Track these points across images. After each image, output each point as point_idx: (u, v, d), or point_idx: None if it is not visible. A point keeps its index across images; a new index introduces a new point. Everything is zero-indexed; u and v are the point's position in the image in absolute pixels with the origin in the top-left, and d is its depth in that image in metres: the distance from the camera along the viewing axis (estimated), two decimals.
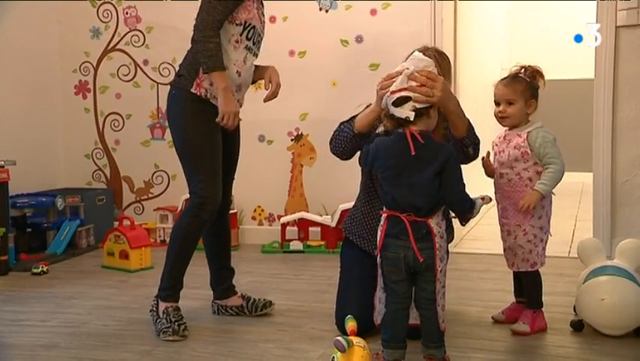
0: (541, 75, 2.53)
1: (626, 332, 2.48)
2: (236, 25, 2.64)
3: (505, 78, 2.55)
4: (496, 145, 2.61)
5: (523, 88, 2.50)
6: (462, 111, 2.37)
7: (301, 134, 4.37)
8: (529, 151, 2.48)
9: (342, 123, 2.52)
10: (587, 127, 3.94)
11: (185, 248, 2.66)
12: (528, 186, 2.50)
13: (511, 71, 2.55)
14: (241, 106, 2.77)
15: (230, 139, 2.78)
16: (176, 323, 2.59)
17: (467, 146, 2.45)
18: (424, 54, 2.25)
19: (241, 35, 2.65)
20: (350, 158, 2.54)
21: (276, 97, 2.78)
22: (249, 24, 2.64)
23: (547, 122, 2.61)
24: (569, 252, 3.83)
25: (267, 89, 2.77)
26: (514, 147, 2.51)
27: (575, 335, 2.56)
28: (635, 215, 3.79)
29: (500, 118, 2.55)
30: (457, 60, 4.45)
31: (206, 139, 2.63)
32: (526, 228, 2.53)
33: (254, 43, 2.70)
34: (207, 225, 2.67)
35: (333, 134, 2.52)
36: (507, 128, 2.58)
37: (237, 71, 2.67)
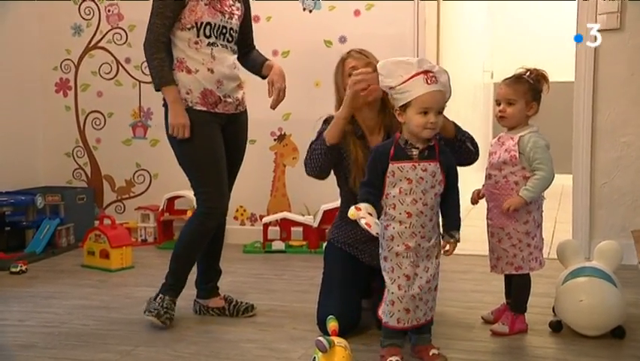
0: (546, 79, 2.53)
1: (604, 333, 2.50)
2: (188, 29, 2.66)
3: (508, 78, 2.55)
4: (491, 146, 2.62)
5: (525, 89, 2.50)
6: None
7: (284, 134, 4.37)
8: (517, 155, 2.48)
9: (312, 144, 2.56)
10: (567, 129, 3.97)
11: (188, 252, 2.73)
12: (514, 190, 2.50)
13: (516, 72, 2.56)
14: (238, 102, 2.79)
15: (233, 143, 2.78)
16: (164, 310, 2.65)
17: (464, 141, 2.50)
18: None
19: (198, 37, 2.66)
20: (327, 175, 2.58)
21: (282, 101, 2.81)
22: (201, 23, 2.64)
23: None
24: (549, 253, 3.74)
25: (270, 96, 2.80)
26: (505, 150, 2.52)
27: (553, 336, 2.56)
28: (614, 217, 3.83)
29: (500, 117, 2.55)
30: (439, 62, 4.44)
31: (204, 150, 2.65)
32: (509, 231, 2.54)
33: (218, 37, 2.69)
34: (213, 232, 2.73)
35: (307, 157, 2.55)
36: (505, 129, 2.58)
37: (209, 69, 2.67)
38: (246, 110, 2.89)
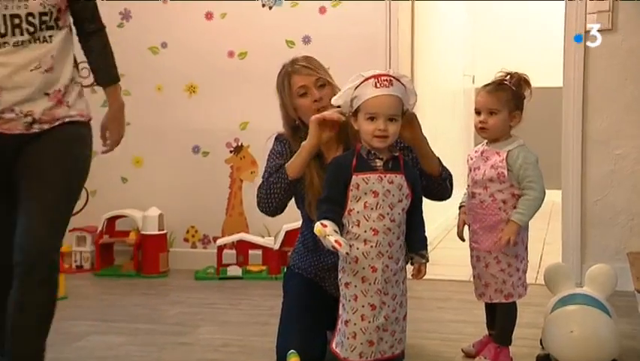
0: (528, 84, 2.56)
1: None
2: None
3: (488, 85, 2.56)
4: (471, 159, 2.63)
5: (507, 97, 2.52)
6: (431, 149, 2.49)
7: (241, 145, 4.36)
8: (506, 173, 2.50)
9: (269, 177, 2.51)
10: (555, 141, 4.00)
11: None
12: (502, 209, 2.52)
13: (496, 77, 2.57)
14: (32, 118, 2.24)
15: (30, 171, 2.24)
16: None
17: (445, 180, 2.54)
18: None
19: None
20: (283, 211, 2.55)
21: (111, 150, 2.43)
22: None
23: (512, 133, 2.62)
24: (536, 278, 3.85)
25: (102, 143, 2.44)
26: (491, 167, 2.53)
27: None
28: (607, 238, 3.84)
29: (480, 129, 2.57)
30: (414, 65, 4.50)
31: None
32: (498, 255, 2.55)
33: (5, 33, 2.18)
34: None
35: (263, 193, 2.50)
36: (485, 141, 2.61)
37: None
38: (65, 127, 2.31)
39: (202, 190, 4.40)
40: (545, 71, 4.67)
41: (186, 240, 4.48)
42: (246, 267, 4.18)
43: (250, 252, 4.21)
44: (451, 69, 5.89)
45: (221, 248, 4.22)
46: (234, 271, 4.17)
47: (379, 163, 2.25)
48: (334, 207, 2.22)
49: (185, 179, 4.41)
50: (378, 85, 2.21)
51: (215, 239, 4.35)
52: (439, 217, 5.11)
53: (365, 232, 2.22)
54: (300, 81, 2.54)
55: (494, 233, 2.53)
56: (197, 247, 4.47)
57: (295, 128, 2.58)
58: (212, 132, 4.36)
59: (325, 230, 2.10)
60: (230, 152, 4.39)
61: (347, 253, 2.11)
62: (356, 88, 2.24)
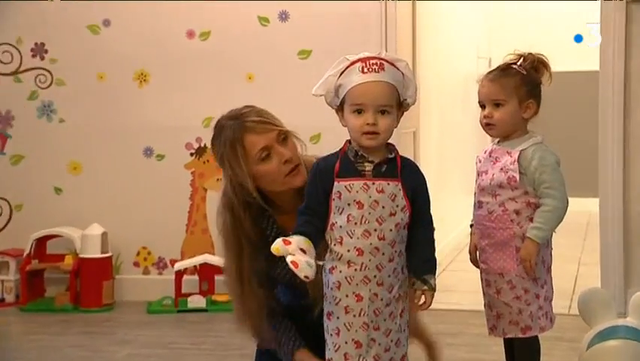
0: (545, 65, 2.57)
1: None
2: None
3: (492, 71, 2.58)
4: (479, 162, 2.64)
5: (515, 83, 2.53)
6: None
7: (204, 146, 4.37)
8: (517, 177, 2.50)
9: (282, 342, 2.57)
10: (591, 137, 4.00)
11: None
12: (514, 221, 2.53)
13: (504, 60, 2.59)
14: None
15: None
16: None
17: None
18: None
19: None
20: None
21: None
22: None
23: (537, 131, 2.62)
24: (570, 307, 3.84)
25: None
26: (501, 169, 2.54)
27: None
28: None
29: (486, 125, 2.58)
30: (416, 47, 4.52)
31: None
32: (512, 278, 2.54)
33: None
34: None
35: (267, 336, 2.58)
36: (496, 140, 2.63)
37: None
38: None
39: (156, 202, 4.40)
40: (578, 51, 4.65)
41: (137, 264, 4.48)
42: (212, 297, 4.18)
43: (217, 278, 4.20)
44: (463, 50, 5.91)
45: (180, 274, 4.22)
46: (197, 301, 4.16)
47: (368, 167, 2.24)
48: (313, 219, 2.23)
49: (135, 188, 4.42)
50: (365, 70, 2.20)
51: (172, 262, 4.36)
52: (450, 233, 5.13)
53: (348, 251, 2.22)
54: (260, 142, 2.47)
55: (506, 251, 2.54)
56: (151, 273, 4.47)
57: (247, 205, 2.51)
58: (168, 131, 4.39)
59: (286, 248, 2.09)
60: (191, 154, 4.41)
61: (306, 277, 2.07)
62: (340, 74, 2.24)
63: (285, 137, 2.49)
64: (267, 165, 2.46)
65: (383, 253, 2.22)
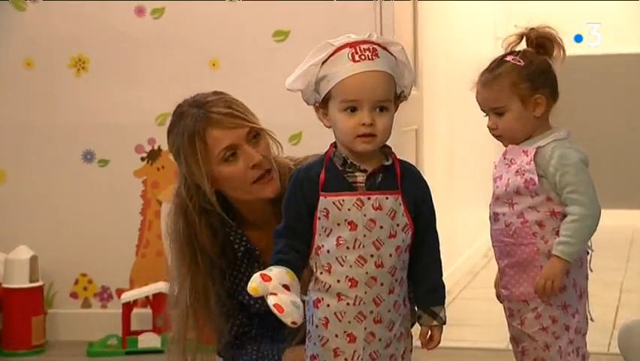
0: (555, 41, 2.57)
1: None
2: None
3: (484, 71, 2.59)
4: (495, 168, 2.67)
5: (512, 81, 2.54)
6: None
7: (159, 149, 4.40)
8: (536, 179, 2.52)
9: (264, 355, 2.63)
10: (636, 136, 4.04)
11: None
12: (537, 235, 2.53)
13: (502, 46, 2.61)
14: None
15: None
16: None
17: None
18: None
19: None
20: None
21: None
22: None
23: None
24: (609, 344, 3.85)
25: None
26: (516, 172, 2.56)
27: None
28: None
29: (495, 137, 2.62)
30: (417, 24, 4.52)
31: None
32: (538, 306, 2.54)
33: None
34: None
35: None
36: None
37: None
38: None
39: (98, 219, 4.41)
40: (618, 28, 4.67)
41: (74, 295, 4.46)
42: (168, 334, 4.11)
43: None
44: (477, 30, 5.94)
45: (129, 306, 4.20)
46: (149, 340, 4.16)
47: (360, 178, 2.22)
48: (294, 242, 2.20)
49: (73, 201, 4.41)
50: (357, 57, 2.18)
51: (119, 293, 4.36)
52: (461, 253, 5.12)
53: (338, 281, 2.19)
54: (225, 138, 2.50)
55: (530, 272, 2.54)
56: (93, 306, 4.46)
57: (204, 211, 2.54)
58: (113, 130, 4.41)
59: (266, 286, 2.07)
60: (142, 159, 4.43)
61: (293, 323, 2.07)
62: (323, 64, 2.21)
63: (256, 135, 2.51)
64: (230, 167, 2.48)
65: (382, 284, 2.20)
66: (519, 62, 2.53)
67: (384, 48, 2.21)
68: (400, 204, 2.22)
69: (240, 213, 2.57)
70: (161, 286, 4.17)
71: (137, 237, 4.42)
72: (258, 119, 2.56)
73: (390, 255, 2.21)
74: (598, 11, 5.41)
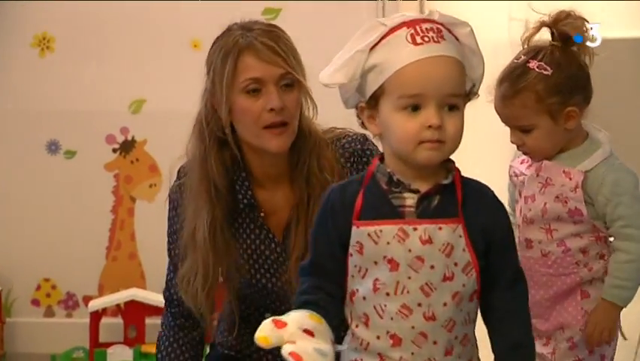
0: (580, 29, 2.47)
1: None
2: None
3: (503, 80, 2.50)
4: (516, 176, 2.60)
5: (539, 96, 2.43)
6: None
7: (132, 139, 4.37)
8: (584, 210, 2.43)
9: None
10: None
11: None
12: (580, 263, 2.48)
13: (516, 57, 2.50)
14: None
15: None
16: None
17: None
18: None
19: None
20: None
21: None
22: None
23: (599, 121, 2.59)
24: None
25: None
26: (556, 198, 2.46)
27: None
28: None
29: (524, 153, 2.57)
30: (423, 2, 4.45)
31: None
32: (574, 336, 2.50)
33: None
34: None
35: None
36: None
37: None
38: None
39: (64, 217, 4.37)
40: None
41: (36, 302, 4.42)
42: (141, 347, 4.11)
43: (148, 321, 4.15)
44: (489, 9, 5.77)
45: (97, 315, 4.16)
46: (120, 354, 4.11)
47: (410, 200, 1.88)
48: (324, 282, 1.91)
49: (35, 198, 4.35)
50: (419, 39, 1.82)
51: (86, 300, 4.33)
52: None
53: (378, 338, 1.88)
54: (255, 69, 2.44)
55: (571, 300, 2.52)
56: (56, 315, 4.43)
57: (218, 141, 2.53)
58: (81, 118, 4.36)
59: (280, 335, 1.77)
60: (114, 151, 4.40)
61: None
62: (372, 49, 1.86)
63: (289, 82, 2.46)
64: (249, 101, 2.46)
65: (435, 342, 1.88)
66: (545, 69, 2.43)
67: (449, 30, 1.88)
68: (461, 236, 1.88)
69: (249, 167, 2.55)
70: (133, 293, 4.21)
71: (108, 238, 4.42)
72: (306, 77, 2.51)
73: (445, 304, 1.88)
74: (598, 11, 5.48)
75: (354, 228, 1.88)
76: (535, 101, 2.41)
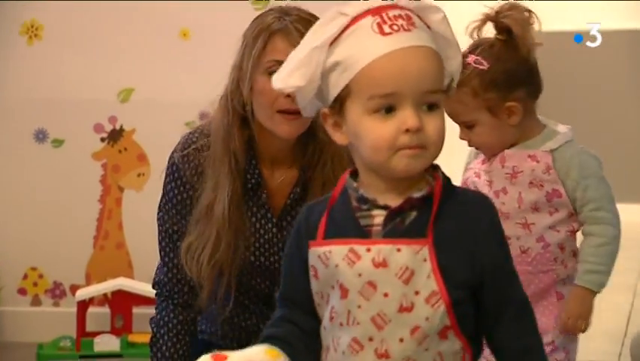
0: (524, 24, 2.38)
1: None
2: None
3: None
4: (478, 176, 2.54)
5: (475, 92, 2.41)
6: None
7: (121, 128, 4.36)
8: (562, 190, 2.42)
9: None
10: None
11: None
12: (558, 260, 2.48)
13: (466, 34, 2.46)
14: None
15: None
16: None
17: None
18: None
19: None
20: None
21: None
22: None
23: (568, 117, 2.63)
24: (620, 353, 3.83)
25: None
26: (530, 184, 2.45)
27: None
28: None
29: (476, 148, 2.58)
30: None
31: None
32: (555, 339, 2.51)
33: None
34: None
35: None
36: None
37: None
38: None
39: (51, 206, 4.37)
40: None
41: (23, 291, 4.42)
42: (128, 336, 4.13)
43: (135, 310, 4.17)
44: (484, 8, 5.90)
45: (84, 305, 4.14)
46: (107, 343, 4.10)
47: (378, 218, 1.63)
48: (292, 313, 1.72)
49: (22, 186, 4.35)
50: (387, 28, 1.57)
51: (74, 289, 4.31)
52: None
53: None
54: (283, 52, 2.35)
55: (544, 302, 2.51)
56: (43, 304, 4.42)
57: (243, 119, 2.55)
58: (69, 106, 4.36)
59: None
60: (102, 140, 4.39)
61: None
62: (332, 44, 1.62)
63: None
64: (269, 83, 2.31)
65: None
66: (481, 64, 2.42)
67: (419, 16, 1.63)
68: (425, 259, 1.60)
69: (260, 147, 2.60)
70: (120, 283, 4.19)
71: (95, 227, 4.40)
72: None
73: (402, 340, 1.60)
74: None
75: (309, 250, 1.68)
76: (471, 97, 2.40)
